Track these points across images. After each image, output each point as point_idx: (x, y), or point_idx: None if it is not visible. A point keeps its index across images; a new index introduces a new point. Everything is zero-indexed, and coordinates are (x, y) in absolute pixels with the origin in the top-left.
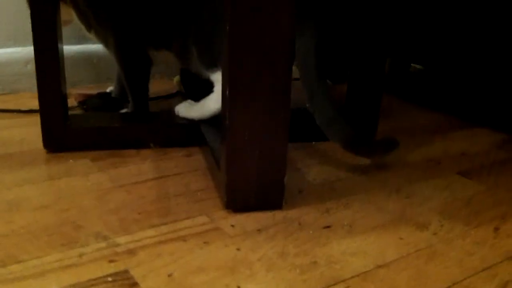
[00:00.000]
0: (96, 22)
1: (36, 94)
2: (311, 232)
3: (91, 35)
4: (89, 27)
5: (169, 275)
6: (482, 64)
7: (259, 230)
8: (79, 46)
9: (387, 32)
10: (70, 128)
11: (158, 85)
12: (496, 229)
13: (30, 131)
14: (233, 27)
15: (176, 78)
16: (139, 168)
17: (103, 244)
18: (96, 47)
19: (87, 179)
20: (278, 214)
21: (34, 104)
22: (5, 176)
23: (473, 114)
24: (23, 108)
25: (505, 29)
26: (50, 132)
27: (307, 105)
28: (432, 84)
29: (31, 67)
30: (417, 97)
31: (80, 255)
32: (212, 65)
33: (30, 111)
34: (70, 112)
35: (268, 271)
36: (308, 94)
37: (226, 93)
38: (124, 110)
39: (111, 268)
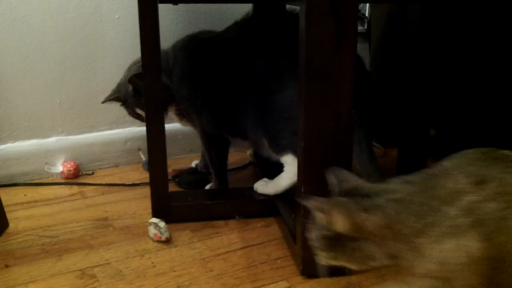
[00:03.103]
0: (191, 115)
1: (134, 167)
2: None
3: (182, 124)
4: (181, 118)
5: None
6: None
7: None
8: (168, 125)
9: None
10: (173, 204)
11: (232, 157)
12: None
13: (138, 204)
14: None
15: (250, 151)
16: (229, 238)
17: None
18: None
19: (191, 247)
20: (342, 280)
21: (134, 177)
22: (129, 247)
23: None
24: (127, 182)
25: None
26: (158, 207)
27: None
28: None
29: (130, 145)
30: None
31: None
32: (281, 151)
33: (133, 185)
34: None
35: None
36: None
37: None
38: (209, 185)
39: None
